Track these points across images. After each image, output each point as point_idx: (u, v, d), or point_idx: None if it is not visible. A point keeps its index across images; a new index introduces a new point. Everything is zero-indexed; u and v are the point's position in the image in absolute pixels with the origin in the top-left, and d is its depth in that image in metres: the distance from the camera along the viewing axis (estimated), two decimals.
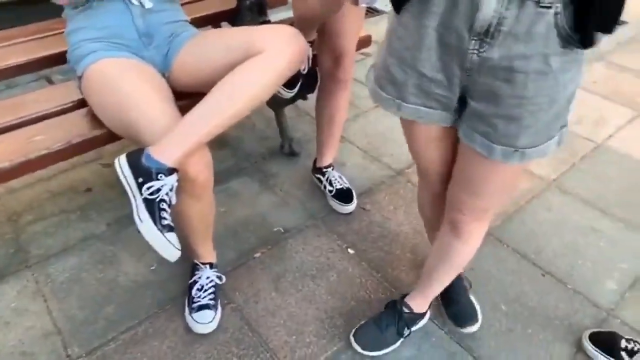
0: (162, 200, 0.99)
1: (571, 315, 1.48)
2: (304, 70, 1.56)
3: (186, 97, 1.33)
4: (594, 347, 1.35)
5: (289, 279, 1.54)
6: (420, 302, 1.34)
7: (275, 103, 1.95)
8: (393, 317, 1.33)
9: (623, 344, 1.32)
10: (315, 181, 1.90)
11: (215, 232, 1.62)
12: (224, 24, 1.98)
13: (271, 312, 1.44)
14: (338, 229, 1.74)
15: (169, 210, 1.01)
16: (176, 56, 1.29)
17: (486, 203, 1.03)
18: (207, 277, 1.41)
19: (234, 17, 1.90)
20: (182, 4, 1.83)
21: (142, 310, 1.43)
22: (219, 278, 1.44)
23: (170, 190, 1.01)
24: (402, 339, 1.35)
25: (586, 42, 0.75)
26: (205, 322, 1.35)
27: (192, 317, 1.36)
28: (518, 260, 1.65)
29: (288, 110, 2.15)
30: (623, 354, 1.31)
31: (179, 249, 1.01)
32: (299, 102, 1.94)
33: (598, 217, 1.82)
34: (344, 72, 1.60)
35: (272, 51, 1.10)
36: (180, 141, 1.03)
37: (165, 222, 0.98)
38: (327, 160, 1.84)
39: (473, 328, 1.38)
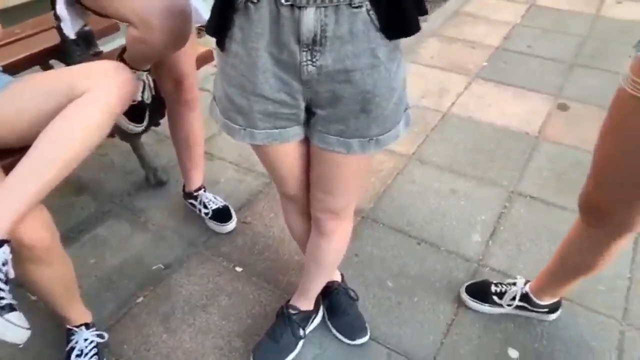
0: None
1: (448, 274, 1.61)
2: (147, 99, 1.49)
3: (12, 154, 1.20)
4: (470, 297, 1.49)
5: (178, 316, 1.47)
6: (304, 301, 1.36)
7: (128, 136, 1.85)
8: (284, 322, 1.35)
9: (493, 288, 1.47)
10: (189, 207, 1.84)
11: (87, 286, 1.50)
12: (54, 62, 1.83)
13: (166, 355, 1.37)
14: (222, 250, 1.70)
15: (6, 287, 0.90)
16: None
17: (343, 200, 1.07)
18: (86, 340, 1.30)
19: (62, 53, 1.75)
20: None
21: None
22: (100, 336, 1.32)
23: (4, 264, 0.90)
24: (301, 342, 1.37)
25: (393, 34, 0.80)
26: None
27: None
28: (395, 235, 1.76)
29: (146, 137, 2.04)
30: (495, 297, 1.46)
31: (26, 328, 0.91)
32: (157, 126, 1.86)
33: (454, 179, 2.01)
34: (189, 92, 1.56)
35: (96, 90, 1.03)
36: (5, 208, 0.92)
37: (3, 302, 0.87)
38: (195, 183, 1.79)
39: (362, 340, 1.38)
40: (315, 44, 0.79)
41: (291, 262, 1.65)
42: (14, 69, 1.52)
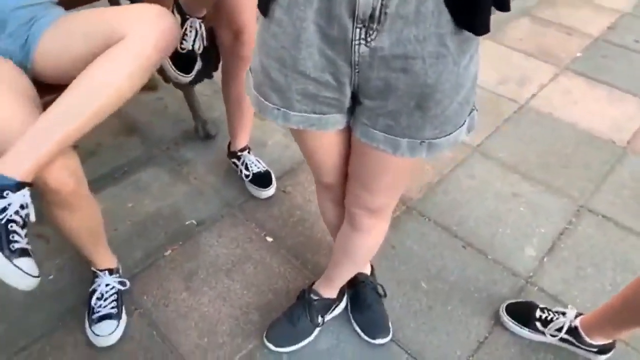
0: (11, 220, 0.86)
1: (490, 286, 1.47)
2: (198, 49, 1.42)
3: (57, 90, 1.17)
4: (510, 318, 1.35)
5: (201, 277, 1.45)
6: (328, 289, 1.29)
7: (179, 84, 1.80)
8: (303, 307, 1.28)
9: (538, 313, 1.32)
10: (231, 166, 1.79)
11: (121, 230, 1.50)
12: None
13: (182, 314, 1.36)
14: (256, 216, 1.65)
15: (23, 231, 0.88)
16: (36, 45, 1.12)
17: (383, 199, 0.97)
18: (107, 285, 1.30)
19: None
20: None
21: (38, 326, 1.31)
22: (122, 284, 1.33)
23: (22, 207, 0.88)
24: (318, 329, 1.31)
25: (476, 24, 0.66)
26: (105, 334, 1.25)
27: (91, 330, 1.26)
28: (440, 233, 1.62)
29: (202, 87, 2.00)
30: (537, 324, 1.31)
31: (34, 276, 0.89)
32: (216, 76, 1.79)
33: (519, 182, 1.81)
34: (246, 49, 1.47)
35: (134, 37, 0.96)
36: (30, 150, 0.89)
37: (16, 245, 0.86)
38: (240, 143, 1.73)
39: (383, 340, 1.30)
40: (372, 21, 0.66)
41: (323, 242, 1.57)
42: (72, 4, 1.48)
